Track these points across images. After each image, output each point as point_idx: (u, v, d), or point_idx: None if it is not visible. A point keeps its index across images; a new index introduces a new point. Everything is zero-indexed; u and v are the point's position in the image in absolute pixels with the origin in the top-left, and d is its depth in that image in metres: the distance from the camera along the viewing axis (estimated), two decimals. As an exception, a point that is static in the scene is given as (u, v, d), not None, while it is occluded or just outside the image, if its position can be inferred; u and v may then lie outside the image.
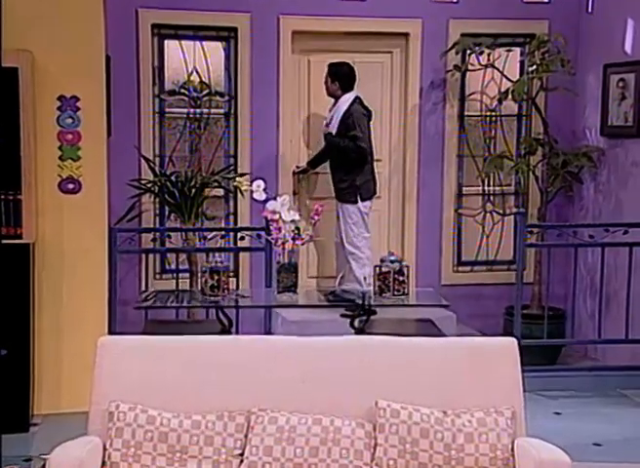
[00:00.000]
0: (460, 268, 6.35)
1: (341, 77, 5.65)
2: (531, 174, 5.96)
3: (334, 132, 5.63)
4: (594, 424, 4.49)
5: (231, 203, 5.96)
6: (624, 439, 4.29)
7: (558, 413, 4.68)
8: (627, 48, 5.67)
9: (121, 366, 2.97)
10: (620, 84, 5.71)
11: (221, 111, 6.01)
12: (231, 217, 6.00)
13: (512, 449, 2.82)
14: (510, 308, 5.58)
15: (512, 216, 6.28)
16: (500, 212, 6.38)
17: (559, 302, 5.91)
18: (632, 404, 4.87)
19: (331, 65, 5.71)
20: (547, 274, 5.66)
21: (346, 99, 5.63)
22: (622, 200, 5.78)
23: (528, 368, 4.91)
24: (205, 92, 5.95)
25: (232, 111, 5.98)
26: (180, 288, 5.29)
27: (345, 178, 5.67)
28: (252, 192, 3.93)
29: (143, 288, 5.67)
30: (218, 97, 5.98)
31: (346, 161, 5.63)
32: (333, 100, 5.74)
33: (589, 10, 6.02)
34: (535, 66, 5.71)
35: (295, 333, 5.22)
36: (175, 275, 5.43)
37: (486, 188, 6.35)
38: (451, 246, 6.31)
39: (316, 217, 3.79)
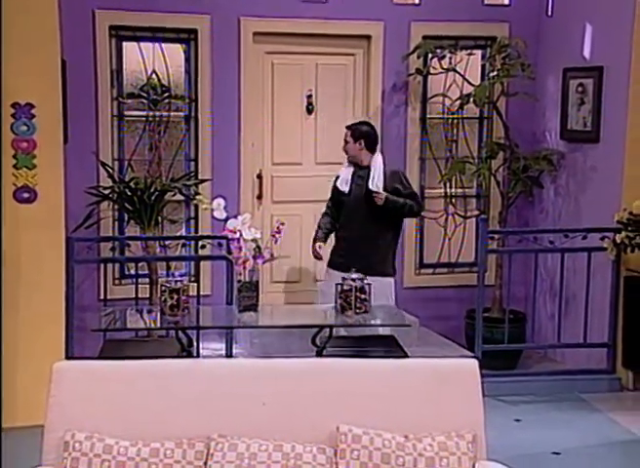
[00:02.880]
0: (423, 271, 6.37)
1: (366, 136, 5.22)
2: (492, 177, 5.99)
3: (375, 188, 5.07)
4: (553, 431, 4.54)
5: (192, 207, 5.89)
6: (582, 446, 4.35)
7: (518, 420, 4.73)
8: (586, 53, 5.71)
9: (77, 392, 2.91)
10: (579, 89, 5.75)
11: (182, 114, 5.92)
12: (192, 223, 5.93)
13: (473, 474, 2.83)
14: (472, 311, 5.62)
15: (474, 219, 6.32)
16: (462, 214, 6.41)
17: (520, 305, 5.96)
18: (590, 408, 4.93)
19: (351, 126, 5.31)
20: (508, 277, 5.71)
21: (380, 159, 5.20)
22: (581, 204, 5.83)
23: (488, 373, 5.05)
24: (165, 94, 5.85)
25: (193, 114, 5.90)
26: (139, 295, 5.24)
27: (385, 244, 5.08)
28: (212, 210, 3.87)
29: (102, 295, 5.58)
30: (178, 100, 5.89)
31: (396, 223, 5.15)
32: (346, 163, 5.25)
33: (549, 13, 6.04)
34: (495, 71, 5.73)
35: (258, 347, 5.28)
36: (134, 281, 5.36)
37: (448, 191, 6.36)
38: (413, 248, 6.32)
39: (277, 236, 3.75)
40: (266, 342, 5.18)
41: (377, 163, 5.12)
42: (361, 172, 5.11)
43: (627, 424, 4.63)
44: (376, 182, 5.04)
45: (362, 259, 4.74)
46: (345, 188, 5.08)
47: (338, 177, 5.21)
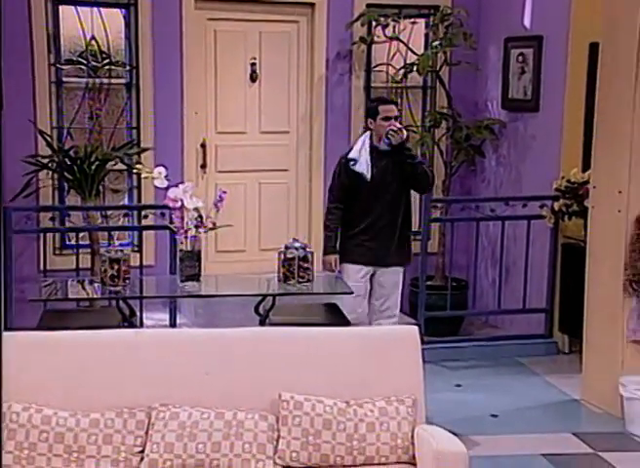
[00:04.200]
0: (367, 239, 6.40)
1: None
2: (435, 147, 6.03)
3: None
4: (492, 395, 4.66)
5: (135, 177, 5.80)
6: (519, 409, 4.47)
7: (459, 385, 4.83)
8: (526, 22, 5.76)
9: (14, 364, 2.86)
10: (520, 58, 5.81)
11: (122, 81, 5.80)
12: (135, 192, 5.85)
13: (412, 437, 2.89)
14: (415, 279, 5.69)
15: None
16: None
17: (462, 273, 6.06)
18: (528, 372, 5.07)
19: (394, 101, 4.83)
20: (451, 245, 5.79)
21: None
22: (522, 172, 5.93)
23: (431, 339, 5.16)
24: (105, 61, 5.72)
25: (134, 81, 5.78)
26: (81, 266, 5.16)
27: (407, 227, 4.53)
28: (153, 179, 3.81)
29: (42, 266, 5.47)
30: (118, 67, 5.76)
31: (409, 201, 4.53)
32: (362, 143, 4.44)
33: (491, -18, 6.08)
34: (438, 41, 5.75)
35: (202, 318, 5.26)
36: (75, 251, 5.28)
37: (392, 160, 6.38)
38: (357, 217, 6.34)
39: (220, 204, 3.72)
40: (211, 312, 5.16)
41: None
42: (379, 153, 4.35)
43: (562, 386, 4.78)
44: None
45: (391, 250, 4.34)
46: (367, 174, 4.29)
47: (349, 161, 4.35)
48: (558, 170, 5.40)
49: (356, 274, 4.32)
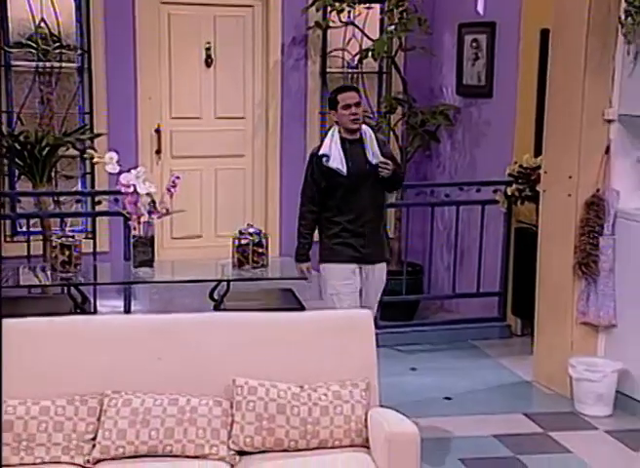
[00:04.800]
0: (324, 225, 6.42)
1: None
2: (391, 132, 6.06)
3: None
4: (446, 378, 4.72)
5: (88, 163, 5.72)
6: (472, 391, 4.54)
7: (414, 369, 4.88)
8: (479, 8, 5.80)
9: (-36, 353, 2.82)
10: (474, 44, 5.85)
11: (74, 65, 5.71)
12: (88, 178, 5.77)
13: (366, 420, 2.92)
14: (371, 264, 5.72)
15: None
16: (362, 169, 6.46)
17: (417, 257, 6.11)
18: (481, 355, 5.15)
19: (355, 87, 4.38)
20: (407, 230, 5.83)
21: (365, 126, 4.16)
22: (476, 158, 5.99)
23: (387, 324, 5.20)
24: (55, 44, 5.61)
25: (86, 65, 5.69)
26: (32, 252, 5.08)
27: (384, 223, 4.25)
28: (105, 164, 3.76)
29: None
30: (70, 51, 5.66)
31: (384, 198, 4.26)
32: (333, 136, 4.05)
33: (445, -32, 6.10)
34: (393, 26, 5.76)
35: (157, 304, 5.21)
36: (27, 238, 5.19)
37: (348, 145, 6.39)
38: (314, 203, 6.34)
39: (173, 190, 3.69)
40: (166, 299, 5.13)
41: (368, 132, 4.09)
42: (351, 145, 4.01)
43: (514, 368, 4.86)
44: (376, 153, 4.02)
45: (376, 246, 4.04)
46: (343, 168, 3.96)
47: (322, 157, 4.01)
48: (511, 155, 5.46)
49: (345, 272, 3.97)
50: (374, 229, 4.05)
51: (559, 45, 4.42)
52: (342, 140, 4.01)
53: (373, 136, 4.06)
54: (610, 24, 4.13)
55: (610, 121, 4.28)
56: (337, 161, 3.97)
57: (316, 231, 4.06)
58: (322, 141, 4.13)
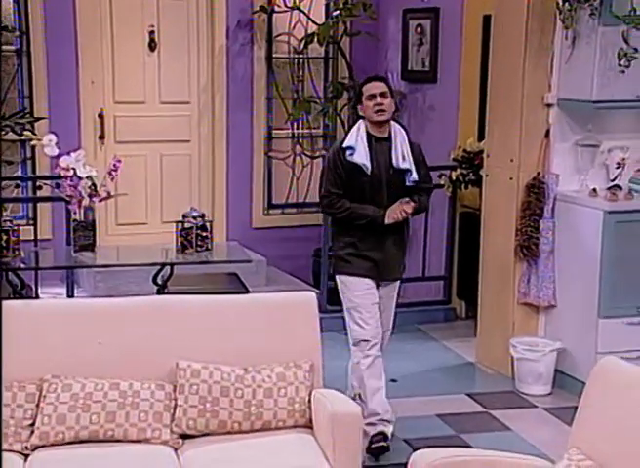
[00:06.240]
0: (271, 211, 6.42)
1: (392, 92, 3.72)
2: (337, 117, 6.07)
3: (413, 174, 3.63)
4: (392, 361, 4.73)
5: (28, 148, 5.61)
6: (417, 373, 4.61)
7: (360, 352, 4.92)
8: (424, -6, 5.84)
9: None
10: (418, 30, 5.89)
11: (12, 48, 5.58)
12: (29, 163, 5.65)
13: (310, 401, 2.94)
14: (319, 250, 5.74)
15: (321, 159, 6.40)
16: (310, 154, 6.48)
17: (364, 242, 6.15)
18: (427, 338, 5.22)
19: (382, 77, 3.89)
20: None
21: (398, 126, 3.71)
22: (422, 142, 5.94)
23: (334, 309, 5.22)
24: (-8, 26, 5.47)
25: (25, 48, 5.56)
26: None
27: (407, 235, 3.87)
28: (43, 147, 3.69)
29: None
30: (8, 33, 5.52)
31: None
32: (359, 129, 3.63)
33: (390, -47, 6.12)
34: (338, 10, 5.76)
35: (102, 290, 5.15)
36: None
37: (295, 131, 6.40)
38: (261, 189, 6.34)
39: (114, 173, 3.64)
40: (111, 285, 5.07)
41: (400, 132, 3.65)
42: (377, 142, 3.58)
43: (458, 350, 4.95)
44: (406, 156, 3.59)
45: (397, 259, 3.71)
46: (368, 164, 3.52)
47: (345, 150, 3.57)
48: (455, 139, 5.53)
49: (361, 284, 3.65)
50: (394, 240, 3.66)
51: (500, 31, 4.48)
52: (369, 136, 3.56)
53: (405, 137, 3.64)
54: (548, 10, 4.20)
55: (549, 105, 4.36)
56: (362, 156, 3.52)
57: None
58: (345, 135, 3.69)
